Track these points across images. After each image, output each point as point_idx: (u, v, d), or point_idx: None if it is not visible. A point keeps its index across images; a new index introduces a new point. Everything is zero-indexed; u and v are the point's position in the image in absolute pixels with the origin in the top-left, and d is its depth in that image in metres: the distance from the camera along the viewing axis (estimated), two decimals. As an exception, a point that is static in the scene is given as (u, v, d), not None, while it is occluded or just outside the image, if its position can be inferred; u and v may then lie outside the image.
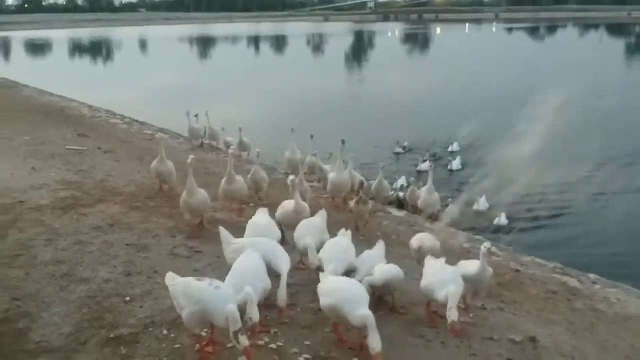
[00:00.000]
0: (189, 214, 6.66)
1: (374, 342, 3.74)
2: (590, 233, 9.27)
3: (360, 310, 3.92)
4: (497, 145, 14.31)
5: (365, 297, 4.12)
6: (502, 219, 9.40)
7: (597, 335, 5.00)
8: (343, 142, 8.98)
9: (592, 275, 6.97)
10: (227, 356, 3.93)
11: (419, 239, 5.94)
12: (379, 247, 5.40)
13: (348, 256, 5.09)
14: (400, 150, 14.61)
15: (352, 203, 7.31)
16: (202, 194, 6.60)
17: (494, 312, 4.94)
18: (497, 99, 22.49)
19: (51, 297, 4.81)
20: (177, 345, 4.15)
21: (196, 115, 12.58)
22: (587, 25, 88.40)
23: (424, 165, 12.59)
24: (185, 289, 3.82)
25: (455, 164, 12.77)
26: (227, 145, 11.88)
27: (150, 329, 4.36)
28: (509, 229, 8.91)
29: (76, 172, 8.86)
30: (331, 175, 8.44)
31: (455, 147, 13.65)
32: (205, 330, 3.98)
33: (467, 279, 4.60)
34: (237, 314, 3.53)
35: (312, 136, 10.22)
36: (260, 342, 4.10)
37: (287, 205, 6.28)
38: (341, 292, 4.17)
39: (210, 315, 3.64)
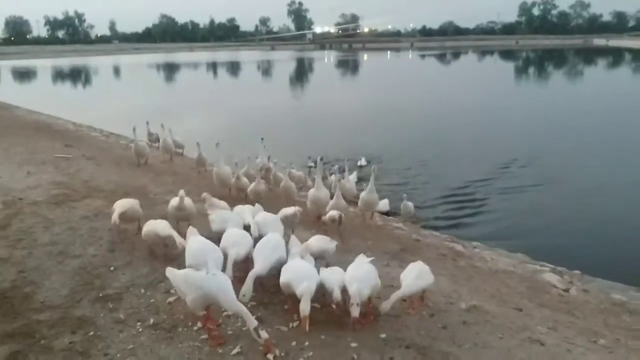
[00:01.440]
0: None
1: (304, 306, 3.79)
2: (476, 212, 9.78)
3: (303, 284, 3.95)
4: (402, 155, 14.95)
5: (310, 275, 4.10)
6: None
7: (472, 283, 5.50)
8: (262, 139, 9.50)
9: (475, 243, 7.53)
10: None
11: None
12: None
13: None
14: (311, 164, 12.00)
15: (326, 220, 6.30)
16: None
17: (395, 268, 5.32)
18: (414, 113, 23.01)
19: (50, 269, 5.02)
20: (152, 300, 4.47)
21: (162, 126, 12.05)
22: (484, 52, 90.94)
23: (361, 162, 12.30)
24: (186, 278, 3.80)
25: (352, 177, 10.51)
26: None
27: (131, 289, 4.65)
28: (415, 215, 9.11)
29: (65, 174, 8.90)
30: (311, 192, 7.17)
31: (363, 162, 12.51)
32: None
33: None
34: (249, 314, 3.58)
35: (262, 139, 9.83)
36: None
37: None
38: (292, 270, 4.17)
39: (212, 297, 3.65)
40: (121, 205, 5.77)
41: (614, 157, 13.66)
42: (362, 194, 7.09)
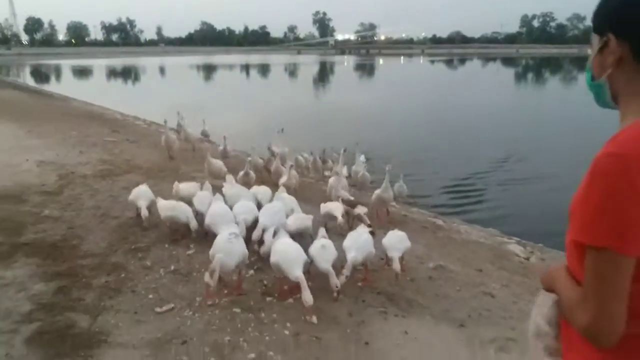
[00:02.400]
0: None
1: (306, 297, 3.62)
2: (464, 197, 9.84)
3: (295, 271, 3.77)
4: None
5: (301, 260, 3.88)
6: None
7: (444, 249, 5.73)
8: (282, 130, 9.34)
9: (455, 219, 7.78)
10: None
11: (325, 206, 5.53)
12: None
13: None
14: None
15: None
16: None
17: (381, 236, 5.57)
18: (421, 112, 22.96)
19: (93, 227, 5.40)
20: (174, 252, 4.83)
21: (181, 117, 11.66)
22: (487, 59, 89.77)
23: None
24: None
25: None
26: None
27: (157, 244, 5.02)
28: (407, 196, 9.10)
29: (110, 154, 9.32)
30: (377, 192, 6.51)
31: (362, 158, 9.80)
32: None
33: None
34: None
35: (282, 129, 9.65)
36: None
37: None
38: (284, 253, 3.94)
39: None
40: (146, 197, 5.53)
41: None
42: (377, 192, 6.49)
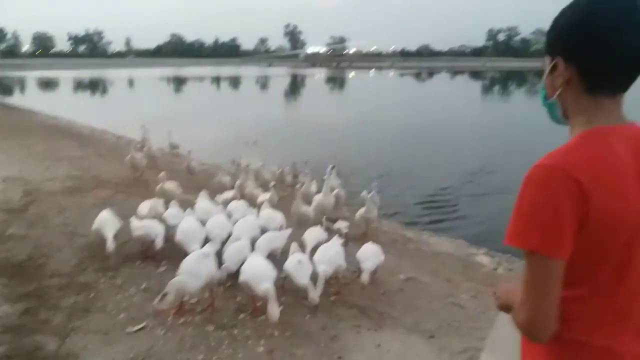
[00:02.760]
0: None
1: (272, 311, 3.58)
2: (432, 208, 9.99)
3: (262, 285, 3.73)
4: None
5: (269, 274, 3.87)
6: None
7: (415, 261, 5.84)
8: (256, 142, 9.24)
9: (424, 230, 7.91)
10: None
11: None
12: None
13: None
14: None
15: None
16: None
17: (355, 247, 5.60)
18: (390, 125, 23.15)
19: (61, 245, 5.29)
20: (145, 270, 4.78)
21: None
22: (455, 72, 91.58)
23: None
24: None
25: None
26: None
27: (128, 262, 4.95)
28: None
29: (78, 169, 9.15)
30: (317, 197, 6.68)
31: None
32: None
33: None
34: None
35: (256, 141, 9.80)
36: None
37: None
38: (251, 270, 3.91)
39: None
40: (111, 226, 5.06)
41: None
42: (361, 212, 6.50)
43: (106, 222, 5.00)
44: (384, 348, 3.68)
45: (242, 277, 3.88)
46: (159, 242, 4.87)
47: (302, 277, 4.01)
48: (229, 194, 7.02)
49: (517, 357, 1.42)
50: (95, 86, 52.42)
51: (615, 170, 1.19)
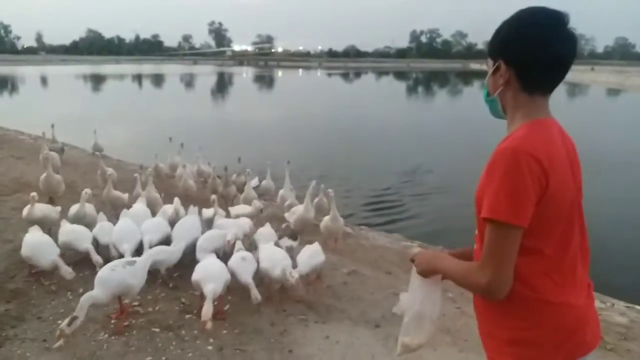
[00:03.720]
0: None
1: (205, 311, 3.51)
2: (370, 205, 10.27)
3: (208, 286, 3.74)
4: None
5: (222, 277, 3.90)
6: None
7: (355, 255, 6.05)
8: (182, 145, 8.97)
9: (362, 227, 8.13)
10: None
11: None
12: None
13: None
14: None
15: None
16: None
17: (296, 247, 5.68)
18: (320, 125, 23.37)
19: None
20: (81, 275, 4.58)
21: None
22: (380, 72, 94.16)
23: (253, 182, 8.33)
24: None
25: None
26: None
27: (64, 265, 4.75)
28: None
29: None
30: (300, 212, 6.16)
31: (255, 182, 8.84)
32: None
33: None
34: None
35: (182, 144, 9.29)
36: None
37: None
38: (201, 269, 3.98)
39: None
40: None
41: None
42: (326, 221, 5.99)
43: (38, 247, 4.39)
44: (333, 339, 3.80)
45: (195, 277, 3.90)
46: (96, 259, 4.50)
47: (244, 275, 4.06)
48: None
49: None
50: (3, 84, 48.85)
51: (559, 153, 1.48)
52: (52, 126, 10.28)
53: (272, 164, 8.77)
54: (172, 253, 4.47)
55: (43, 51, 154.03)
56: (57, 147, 9.40)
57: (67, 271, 4.23)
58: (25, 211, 5.25)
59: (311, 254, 4.62)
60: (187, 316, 3.99)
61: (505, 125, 1.64)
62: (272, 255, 4.33)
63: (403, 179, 12.50)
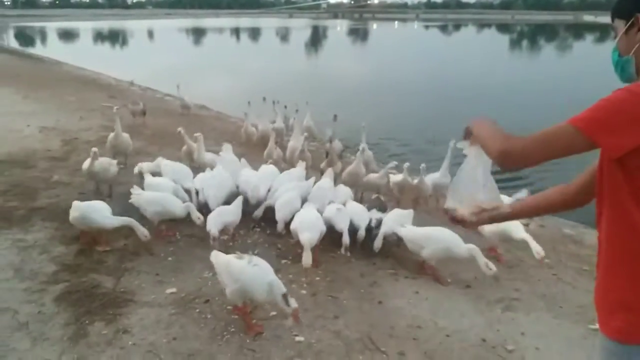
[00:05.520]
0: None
1: (306, 258, 3.74)
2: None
3: (305, 235, 3.93)
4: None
5: (317, 227, 4.09)
6: None
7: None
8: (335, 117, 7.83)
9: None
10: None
11: None
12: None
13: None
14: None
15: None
16: None
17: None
18: (413, 83, 22.72)
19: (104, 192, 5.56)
20: (187, 218, 4.95)
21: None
22: (482, 25, 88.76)
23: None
24: (228, 268, 3.24)
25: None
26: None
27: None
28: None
29: (111, 120, 9.16)
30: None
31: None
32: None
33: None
34: (279, 282, 3.10)
35: (285, 106, 9.29)
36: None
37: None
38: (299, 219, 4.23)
39: (250, 292, 3.10)
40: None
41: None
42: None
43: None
44: (422, 295, 3.84)
45: (293, 225, 4.14)
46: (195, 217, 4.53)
47: (340, 224, 4.28)
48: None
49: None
50: (115, 37, 52.23)
51: None
52: (178, 87, 10.93)
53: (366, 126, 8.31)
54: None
55: (150, 5, 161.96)
56: (137, 109, 9.42)
57: (196, 216, 4.43)
58: (85, 165, 5.28)
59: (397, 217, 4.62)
60: (283, 261, 4.21)
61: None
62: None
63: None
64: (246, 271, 3.12)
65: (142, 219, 4.38)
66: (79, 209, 4.11)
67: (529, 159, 1.41)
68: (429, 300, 3.78)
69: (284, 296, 2.97)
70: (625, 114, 1.31)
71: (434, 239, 4.04)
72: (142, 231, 4.13)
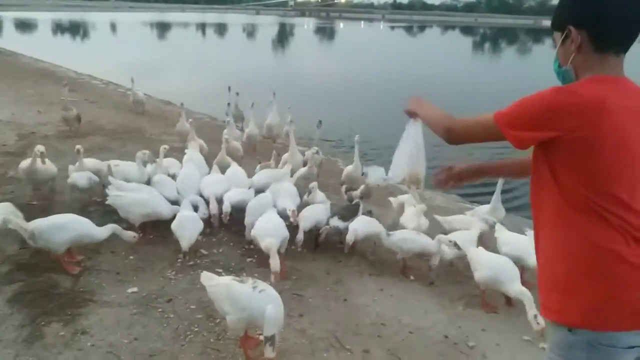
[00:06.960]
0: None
1: (273, 264, 3.53)
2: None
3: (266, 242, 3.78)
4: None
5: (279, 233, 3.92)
6: None
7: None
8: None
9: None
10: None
11: None
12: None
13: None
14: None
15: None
16: None
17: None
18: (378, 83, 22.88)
19: (63, 189, 5.31)
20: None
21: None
22: (446, 27, 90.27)
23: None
24: (229, 294, 2.81)
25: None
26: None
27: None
28: None
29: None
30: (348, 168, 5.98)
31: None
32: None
33: None
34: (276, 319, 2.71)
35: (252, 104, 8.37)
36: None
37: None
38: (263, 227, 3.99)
39: (258, 321, 2.72)
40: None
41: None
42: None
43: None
44: (387, 292, 3.87)
45: (254, 232, 4.00)
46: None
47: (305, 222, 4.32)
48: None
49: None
50: (76, 29, 50.62)
51: (627, 105, 1.44)
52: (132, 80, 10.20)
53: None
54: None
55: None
56: (70, 115, 7.99)
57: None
58: (24, 164, 4.99)
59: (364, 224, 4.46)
60: (248, 259, 4.17)
61: None
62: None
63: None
64: (253, 298, 2.74)
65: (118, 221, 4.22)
66: (74, 229, 3.75)
67: (468, 137, 1.67)
68: (393, 297, 3.81)
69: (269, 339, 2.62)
70: (534, 110, 1.45)
71: (491, 266, 3.75)
72: (128, 234, 3.96)
